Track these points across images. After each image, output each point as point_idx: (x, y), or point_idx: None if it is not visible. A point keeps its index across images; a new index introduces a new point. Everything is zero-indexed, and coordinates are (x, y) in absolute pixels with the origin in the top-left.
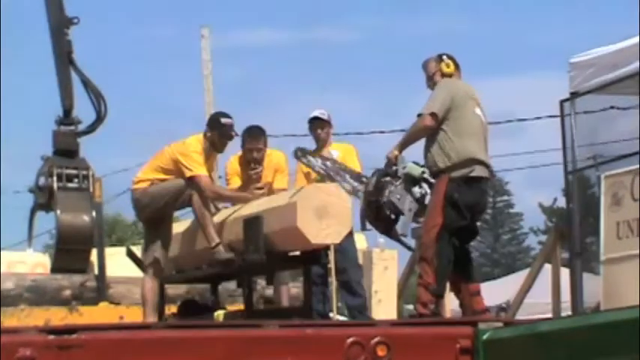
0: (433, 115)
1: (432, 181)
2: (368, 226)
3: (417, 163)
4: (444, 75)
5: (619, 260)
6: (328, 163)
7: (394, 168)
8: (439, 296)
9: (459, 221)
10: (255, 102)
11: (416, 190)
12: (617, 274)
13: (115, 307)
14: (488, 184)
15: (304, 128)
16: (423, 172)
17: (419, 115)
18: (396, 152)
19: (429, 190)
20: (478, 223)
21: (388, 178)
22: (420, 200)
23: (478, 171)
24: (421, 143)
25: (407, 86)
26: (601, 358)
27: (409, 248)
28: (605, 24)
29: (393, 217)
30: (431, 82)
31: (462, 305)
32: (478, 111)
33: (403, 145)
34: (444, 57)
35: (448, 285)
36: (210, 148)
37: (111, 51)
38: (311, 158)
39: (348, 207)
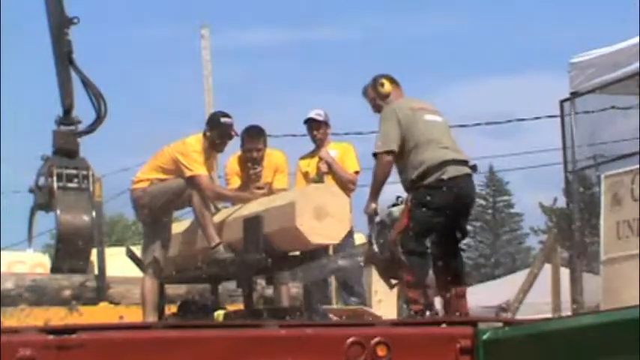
0: (389, 152)
1: None
2: (394, 281)
3: (395, 204)
4: (384, 96)
5: (619, 260)
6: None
7: (378, 220)
8: (421, 287)
9: (427, 222)
10: (255, 102)
11: None
12: (617, 274)
13: (114, 307)
14: (468, 180)
15: (304, 128)
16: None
17: (374, 155)
18: (373, 205)
19: None
20: (478, 224)
21: (385, 231)
22: None
23: (451, 171)
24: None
25: (407, 86)
26: (601, 358)
27: None
28: (605, 24)
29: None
30: (375, 109)
31: (445, 306)
32: (429, 117)
33: (375, 194)
34: (377, 79)
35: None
36: (210, 148)
37: (111, 51)
38: None
39: (347, 207)
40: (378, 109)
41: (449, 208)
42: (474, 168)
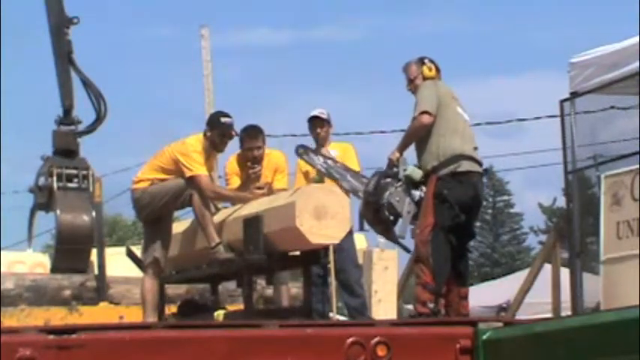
0: (427, 112)
1: None
2: (366, 226)
3: (418, 167)
4: (425, 78)
5: (619, 260)
6: (329, 161)
7: (395, 170)
8: (438, 295)
9: (451, 218)
10: (255, 102)
11: (416, 193)
12: (617, 274)
13: (115, 307)
14: (480, 179)
15: (304, 128)
16: (424, 176)
17: (414, 117)
18: (398, 154)
19: None
20: (478, 224)
21: (389, 180)
22: (419, 203)
23: (466, 165)
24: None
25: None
26: (601, 358)
27: (407, 250)
28: (606, 24)
29: (391, 218)
30: (412, 85)
31: (447, 306)
32: (460, 110)
33: (404, 147)
34: (426, 60)
35: None
36: (210, 148)
37: (111, 51)
38: (313, 156)
39: (347, 207)
40: (414, 87)
41: (464, 203)
42: (486, 171)
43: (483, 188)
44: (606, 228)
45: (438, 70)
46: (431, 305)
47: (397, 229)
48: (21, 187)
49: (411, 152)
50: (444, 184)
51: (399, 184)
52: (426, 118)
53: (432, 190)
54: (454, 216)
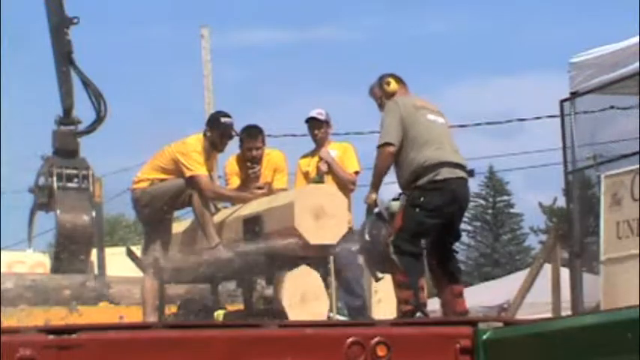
0: (389, 144)
1: None
2: (380, 275)
3: (395, 199)
4: (389, 95)
5: (619, 260)
6: None
7: (376, 211)
8: (415, 288)
9: (420, 224)
10: (255, 102)
11: None
12: (617, 274)
13: (115, 307)
14: (462, 183)
15: (304, 128)
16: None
17: (378, 148)
18: (373, 196)
19: None
20: (478, 224)
21: (380, 223)
22: None
23: (445, 173)
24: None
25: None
26: (601, 358)
27: None
28: (605, 24)
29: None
30: (381, 108)
31: (443, 306)
32: (431, 117)
33: (377, 183)
34: (384, 77)
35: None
36: (210, 148)
37: (111, 51)
38: None
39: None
40: (383, 107)
41: (442, 209)
42: (470, 172)
43: (467, 190)
44: (606, 228)
45: (400, 82)
46: (413, 301)
47: None
48: (21, 187)
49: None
50: (421, 193)
51: (387, 222)
52: (387, 151)
53: (408, 199)
54: (420, 222)
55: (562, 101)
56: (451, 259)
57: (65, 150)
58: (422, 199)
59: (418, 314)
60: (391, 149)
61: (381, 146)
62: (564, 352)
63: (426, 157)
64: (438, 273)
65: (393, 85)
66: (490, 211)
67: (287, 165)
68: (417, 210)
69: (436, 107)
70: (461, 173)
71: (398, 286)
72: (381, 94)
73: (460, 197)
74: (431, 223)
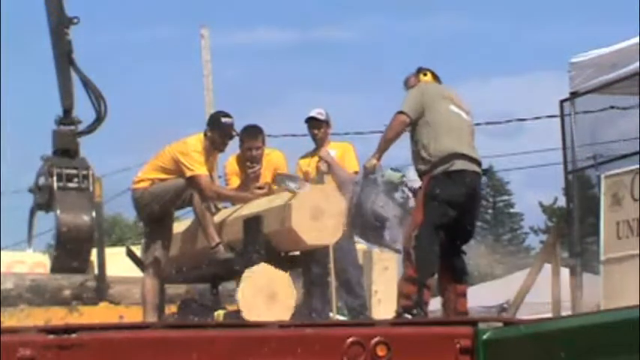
0: (402, 113)
1: (412, 185)
2: (356, 238)
3: (394, 169)
4: None
5: (619, 260)
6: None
7: (372, 177)
8: (421, 286)
9: (442, 216)
10: (255, 102)
11: (397, 195)
12: (617, 274)
13: (115, 307)
14: (476, 177)
15: (304, 128)
16: (402, 176)
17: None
18: (374, 161)
19: (410, 195)
20: (478, 224)
21: (372, 190)
22: (403, 205)
23: (459, 165)
24: (400, 149)
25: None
26: (601, 358)
27: (399, 251)
28: (605, 24)
29: (379, 225)
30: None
31: (444, 304)
32: (454, 109)
33: (381, 150)
34: (422, 69)
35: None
36: (210, 148)
37: (111, 51)
38: (289, 182)
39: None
40: None
41: (457, 201)
42: (485, 171)
43: (480, 184)
44: (606, 228)
45: (435, 77)
46: (414, 297)
47: (387, 234)
48: (21, 187)
49: (392, 155)
50: (437, 183)
51: (380, 190)
52: (400, 119)
53: (425, 190)
54: (442, 214)
55: (562, 101)
56: (460, 256)
57: (65, 150)
58: (438, 190)
59: (415, 311)
60: (405, 118)
61: (396, 114)
62: (564, 352)
63: (444, 145)
64: (445, 270)
65: (429, 77)
66: (490, 211)
67: (287, 165)
68: (436, 203)
69: (465, 104)
70: (476, 168)
71: (405, 279)
72: (414, 84)
73: (472, 191)
74: (449, 215)
